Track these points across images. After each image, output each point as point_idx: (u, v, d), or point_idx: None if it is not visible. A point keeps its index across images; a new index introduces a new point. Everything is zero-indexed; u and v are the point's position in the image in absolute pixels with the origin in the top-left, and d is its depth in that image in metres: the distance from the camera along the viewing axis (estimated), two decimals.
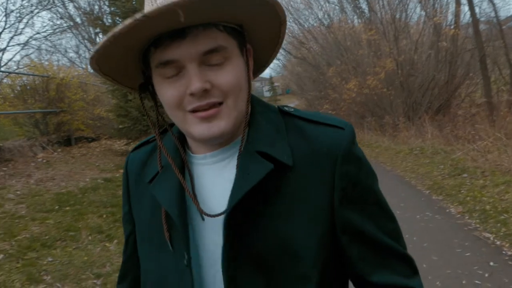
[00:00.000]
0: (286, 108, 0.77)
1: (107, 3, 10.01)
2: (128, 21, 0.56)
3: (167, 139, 0.78)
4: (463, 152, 7.19)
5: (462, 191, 5.33)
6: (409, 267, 0.73)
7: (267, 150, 0.67)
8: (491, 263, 3.26)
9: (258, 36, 0.72)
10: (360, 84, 12.53)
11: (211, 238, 0.70)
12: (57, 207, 4.68)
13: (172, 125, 0.78)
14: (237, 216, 0.65)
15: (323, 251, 0.68)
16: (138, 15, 0.55)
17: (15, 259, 3.34)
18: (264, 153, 0.67)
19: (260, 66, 0.82)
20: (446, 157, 7.43)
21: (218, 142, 0.70)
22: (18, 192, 5.08)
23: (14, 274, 3.09)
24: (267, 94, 56.82)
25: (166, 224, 0.72)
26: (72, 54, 23.38)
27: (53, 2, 14.41)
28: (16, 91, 8.57)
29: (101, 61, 0.65)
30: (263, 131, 0.70)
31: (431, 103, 11.92)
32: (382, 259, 0.71)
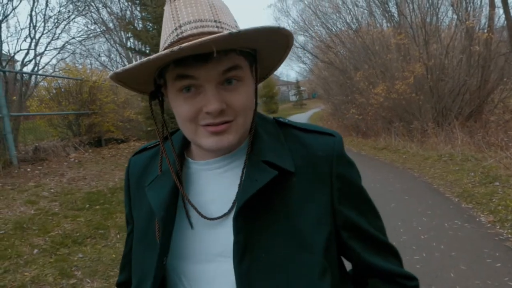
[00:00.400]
0: (282, 119, 0.84)
1: (138, 8, 10.29)
2: (163, 52, 0.60)
3: (169, 146, 0.82)
4: (495, 159, 6.95)
5: (493, 200, 5.15)
6: (397, 259, 0.84)
7: (271, 159, 0.73)
8: None
9: (265, 57, 0.79)
10: (388, 88, 12.32)
11: (208, 234, 0.75)
12: (87, 205, 4.86)
13: (172, 133, 0.86)
14: (244, 217, 0.70)
15: (330, 245, 0.75)
16: (175, 48, 0.59)
17: (49, 254, 3.50)
18: (269, 162, 0.73)
19: (260, 78, 0.88)
20: (476, 164, 7.21)
21: (223, 153, 0.76)
22: (52, 190, 5.29)
23: (48, 269, 3.23)
24: (293, 98, 56.75)
25: (159, 226, 0.75)
26: (104, 58, 24.11)
27: (89, 8, 14.97)
28: (51, 94, 8.93)
29: (122, 73, 0.70)
30: (265, 142, 0.77)
31: (461, 108, 11.58)
32: (377, 249, 0.80)
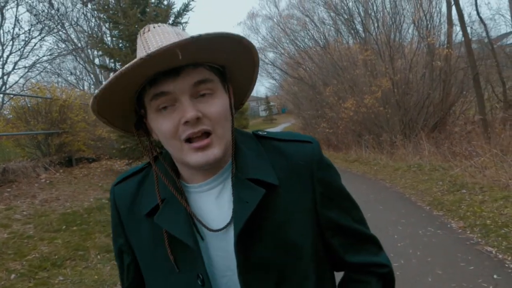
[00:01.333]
0: (260, 132, 0.89)
1: (108, 26, 10.24)
2: (134, 60, 0.66)
3: (162, 171, 0.84)
4: (461, 168, 7.32)
5: (462, 207, 5.42)
6: (376, 245, 0.91)
7: (256, 176, 0.78)
8: (495, 276, 3.34)
9: (236, 77, 0.84)
10: (357, 103, 12.74)
11: (217, 254, 0.80)
12: (64, 227, 4.73)
13: (156, 158, 0.87)
14: (243, 238, 0.76)
15: (316, 247, 0.83)
16: (143, 55, 0.65)
17: (27, 278, 3.38)
18: (254, 179, 0.78)
19: (238, 104, 0.93)
20: (444, 174, 7.55)
21: (210, 168, 0.79)
22: (24, 213, 5.12)
23: None
24: (262, 113, 57.27)
25: (170, 249, 0.80)
26: (70, 77, 23.60)
27: (62, 26, 14.75)
28: (18, 113, 8.67)
29: (102, 102, 0.75)
30: (247, 159, 0.81)
31: (426, 120, 12.14)
32: (356, 244, 0.87)
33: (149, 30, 0.77)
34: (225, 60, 0.78)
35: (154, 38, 0.74)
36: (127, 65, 0.67)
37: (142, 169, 0.91)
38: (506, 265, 3.53)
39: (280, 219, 0.79)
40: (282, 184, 0.79)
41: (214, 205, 0.81)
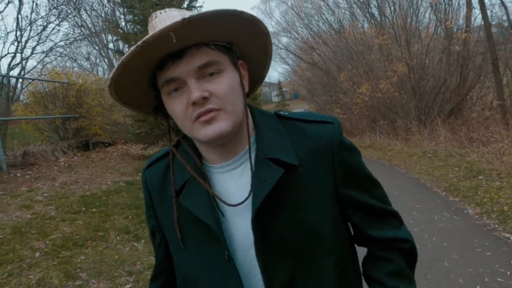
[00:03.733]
0: (282, 112, 0.89)
1: (123, 11, 10.24)
2: (132, 48, 0.68)
3: (183, 153, 0.87)
4: (478, 154, 7.23)
5: (478, 193, 5.38)
6: (397, 219, 0.92)
7: (275, 156, 0.79)
8: None
9: (248, 51, 0.83)
10: (372, 88, 12.59)
11: (239, 233, 0.82)
12: (84, 208, 4.84)
13: (177, 143, 0.91)
14: (261, 217, 0.78)
15: (337, 228, 0.84)
16: (139, 43, 0.68)
17: (51, 257, 3.49)
18: (273, 158, 0.79)
19: (258, 79, 0.93)
20: (460, 160, 7.48)
21: (222, 144, 0.80)
22: (46, 195, 5.25)
23: (52, 271, 3.23)
24: (275, 99, 56.99)
25: (178, 227, 0.85)
26: (84, 62, 23.84)
27: (78, 12, 14.85)
28: (36, 98, 8.81)
29: (118, 90, 0.78)
30: (268, 138, 0.82)
31: (442, 106, 11.95)
32: (378, 219, 0.89)
33: (156, 17, 0.79)
34: (229, 37, 0.78)
35: (161, 24, 0.74)
36: (127, 53, 0.69)
37: (169, 153, 0.92)
38: None
39: (300, 199, 0.80)
40: (302, 164, 0.80)
41: (235, 185, 0.83)
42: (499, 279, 3.08)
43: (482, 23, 10.72)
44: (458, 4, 12.74)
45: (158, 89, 0.79)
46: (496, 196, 5.02)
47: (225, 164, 0.84)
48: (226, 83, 0.75)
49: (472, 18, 12.14)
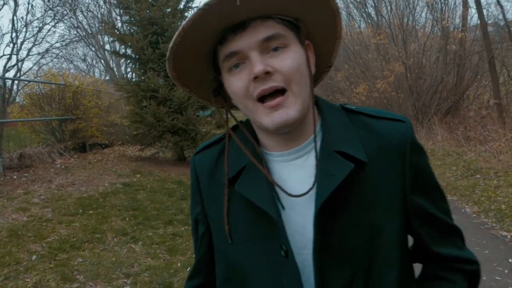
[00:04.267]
0: (349, 106, 0.82)
1: (119, 12, 10.22)
2: (193, 12, 0.63)
3: (240, 138, 0.80)
4: (475, 153, 7.24)
5: (476, 192, 5.39)
6: (461, 238, 0.85)
7: (344, 149, 0.72)
8: (510, 260, 3.34)
9: (316, 31, 0.76)
10: (369, 88, 12.61)
11: (295, 229, 0.74)
12: (80, 210, 4.82)
13: (235, 127, 0.84)
14: (324, 213, 0.70)
15: (403, 237, 0.76)
16: (201, 5, 0.62)
17: (48, 259, 3.47)
18: (341, 152, 0.72)
19: (324, 67, 0.85)
20: (458, 159, 7.49)
21: (287, 132, 0.73)
22: (42, 197, 5.23)
23: (49, 274, 3.22)
24: None
25: (227, 219, 0.78)
26: (81, 64, 23.83)
27: (74, 13, 14.81)
28: (33, 99, 8.77)
29: (177, 65, 0.73)
30: (336, 130, 0.75)
31: (440, 105, 11.97)
32: (443, 234, 0.81)
33: None
34: (297, 12, 0.71)
35: None
36: (187, 19, 0.64)
37: (223, 138, 0.86)
38: None
39: (366, 199, 0.73)
40: (370, 163, 0.73)
41: (295, 176, 0.76)
42: (497, 278, 3.08)
43: (478, 22, 10.75)
44: (454, 3, 12.82)
45: (218, 68, 0.74)
46: (494, 195, 5.03)
47: (286, 153, 0.77)
48: (293, 59, 0.69)
49: (468, 17, 12.20)
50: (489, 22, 11.72)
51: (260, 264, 0.76)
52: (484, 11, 10.79)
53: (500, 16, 11.73)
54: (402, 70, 11.79)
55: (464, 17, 11.89)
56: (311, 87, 0.74)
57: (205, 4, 0.62)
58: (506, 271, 3.16)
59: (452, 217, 0.84)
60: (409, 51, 12.01)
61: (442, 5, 12.42)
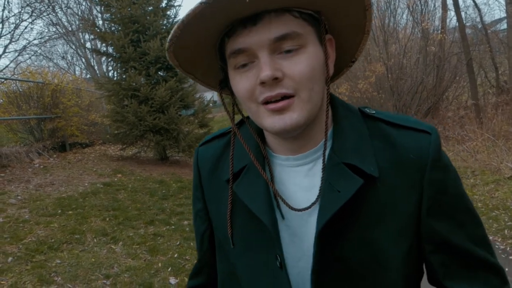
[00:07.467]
0: (368, 110, 0.74)
1: (99, 9, 10.06)
2: (194, 5, 0.56)
3: (245, 135, 0.75)
4: (453, 152, 7.40)
5: None
6: (498, 277, 0.70)
7: (354, 162, 0.65)
8: None
9: (340, 25, 0.68)
10: (351, 88, 12.75)
11: (292, 240, 0.70)
12: (59, 211, 4.73)
13: (241, 123, 0.79)
14: (327, 230, 0.65)
15: (409, 261, 0.68)
16: None
17: (24, 261, 3.39)
18: (351, 165, 0.66)
19: (348, 61, 0.77)
20: None
21: (291, 136, 0.67)
22: (19, 197, 5.10)
23: (25, 276, 3.14)
24: None
25: (230, 225, 0.73)
26: (61, 62, 23.38)
27: (52, 9, 14.49)
28: (10, 98, 8.55)
29: (179, 55, 0.66)
30: (348, 139, 0.68)
31: (420, 105, 12.19)
32: (465, 268, 0.69)
33: None
34: (320, 3, 0.62)
35: None
36: (188, 12, 0.57)
37: (230, 131, 0.80)
38: (497, 246, 3.62)
39: (372, 217, 0.66)
40: (382, 177, 0.66)
41: (300, 185, 0.70)
42: None
43: (457, 24, 11.00)
44: (434, 5, 13.07)
45: (225, 59, 0.66)
46: (471, 193, 5.15)
47: (291, 158, 0.71)
48: (306, 64, 0.61)
49: (448, 20, 12.46)
50: (467, 24, 12.02)
51: (256, 272, 0.72)
52: (462, 14, 11.07)
53: (478, 19, 12.05)
54: (383, 70, 11.95)
55: (443, 19, 12.14)
56: (326, 89, 0.68)
57: None
58: None
59: (492, 249, 0.70)
60: (390, 52, 12.19)
61: (422, 7, 12.65)
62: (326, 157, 0.68)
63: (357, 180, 0.64)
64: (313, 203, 0.66)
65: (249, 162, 0.72)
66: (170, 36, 0.61)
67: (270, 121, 0.63)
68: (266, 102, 0.63)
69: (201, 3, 0.55)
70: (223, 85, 0.73)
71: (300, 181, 0.70)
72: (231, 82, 0.67)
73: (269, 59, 0.60)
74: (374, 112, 0.73)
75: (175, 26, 0.60)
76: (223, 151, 0.80)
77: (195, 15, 0.57)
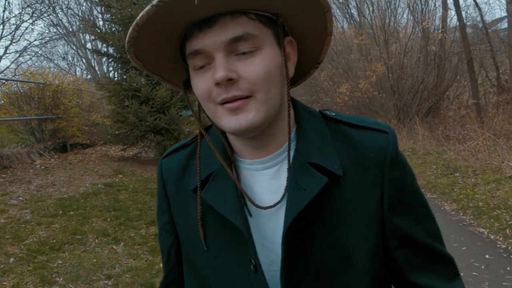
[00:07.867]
0: (328, 113, 0.75)
1: (99, 10, 10.08)
2: (146, 8, 0.57)
3: (212, 139, 0.75)
4: (454, 152, 7.40)
5: (455, 189, 5.51)
6: (451, 268, 0.75)
7: (318, 161, 0.67)
8: (487, 256, 3.42)
9: (301, 27, 0.68)
10: (352, 87, 12.75)
11: (263, 244, 0.70)
12: (61, 211, 4.73)
13: (208, 128, 0.79)
14: (294, 230, 0.65)
15: (375, 257, 0.70)
16: (154, 2, 0.56)
17: (26, 262, 3.40)
18: (315, 164, 0.67)
19: (313, 63, 0.78)
20: (438, 157, 7.64)
21: (252, 136, 0.67)
22: (21, 198, 5.11)
23: (27, 277, 3.15)
24: None
25: (202, 227, 0.72)
26: (62, 63, 23.43)
27: (53, 10, 14.51)
28: (11, 98, 8.56)
29: (142, 56, 0.66)
30: (311, 140, 0.69)
31: (420, 105, 12.19)
32: (426, 262, 0.72)
33: None
34: (276, 6, 0.63)
35: None
36: (141, 14, 0.58)
37: (193, 141, 0.81)
38: (498, 246, 3.62)
39: (338, 216, 0.67)
40: (346, 176, 0.67)
41: (267, 187, 0.71)
42: (474, 273, 3.15)
43: (458, 24, 10.98)
44: (434, 5, 13.07)
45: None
46: (472, 193, 5.15)
47: (257, 161, 0.71)
48: (262, 65, 0.61)
49: (448, 19, 12.46)
50: (468, 24, 12.00)
51: (230, 277, 0.71)
52: (463, 13, 11.05)
53: (479, 18, 12.03)
54: (384, 70, 11.96)
55: (444, 18, 12.14)
56: (287, 91, 0.68)
57: (159, 1, 0.56)
58: (482, 267, 3.24)
59: (443, 241, 0.75)
60: (391, 51, 12.19)
61: (423, 6, 12.65)
62: (291, 157, 0.69)
63: (322, 179, 0.65)
64: (279, 201, 0.67)
65: (216, 168, 0.72)
66: (127, 37, 0.62)
67: (226, 120, 0.64)
68: (224, 102, 0.64)
69: (152, 5, 0.56)
70: (188, 86, 0.73)
71: (267, 184, 0.71)
72: (191, 83, 0.68)
73: (224, 60, 0.61)
74: (334, 114, 0.75)
75: (131, 28, 0.60)
76: (188, 161, 0.79)
77: (148, 17, 0.58)
